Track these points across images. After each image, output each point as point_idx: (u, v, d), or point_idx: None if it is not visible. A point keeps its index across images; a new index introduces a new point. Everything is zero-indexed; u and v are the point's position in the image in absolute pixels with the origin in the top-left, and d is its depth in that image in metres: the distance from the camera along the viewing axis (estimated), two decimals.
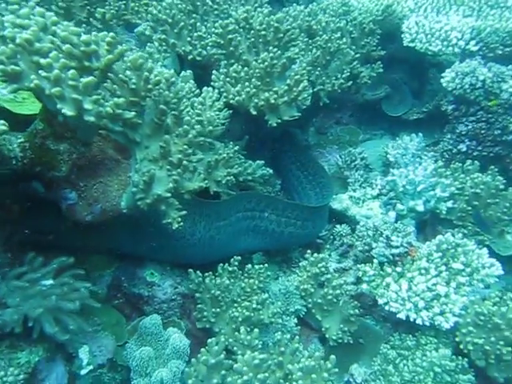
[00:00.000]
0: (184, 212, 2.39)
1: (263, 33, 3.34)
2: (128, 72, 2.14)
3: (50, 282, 2.16)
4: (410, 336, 3.25)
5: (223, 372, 2.43)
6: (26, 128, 2.11)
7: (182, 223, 2.36)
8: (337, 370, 2.50)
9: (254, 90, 3.26)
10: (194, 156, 2.46)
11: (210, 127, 2.98)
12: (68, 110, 1.71)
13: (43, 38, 1.74)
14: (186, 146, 2.38)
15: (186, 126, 2.40)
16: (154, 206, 2.33)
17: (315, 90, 3.99)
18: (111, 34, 1.88)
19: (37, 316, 2.09)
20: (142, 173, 2.31)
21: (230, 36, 3.38)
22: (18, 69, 1.67)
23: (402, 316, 3.08)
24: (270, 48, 3.32)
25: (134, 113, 2.00)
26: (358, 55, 4.19)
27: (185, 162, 2.36)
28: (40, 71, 1.69)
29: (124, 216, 2.45)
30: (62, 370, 2.42)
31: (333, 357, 2.52)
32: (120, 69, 2.11)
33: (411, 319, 3.06)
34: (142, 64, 2.14)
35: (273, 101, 3.25)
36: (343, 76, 4.04)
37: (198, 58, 3.66)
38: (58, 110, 1.73)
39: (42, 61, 1.67)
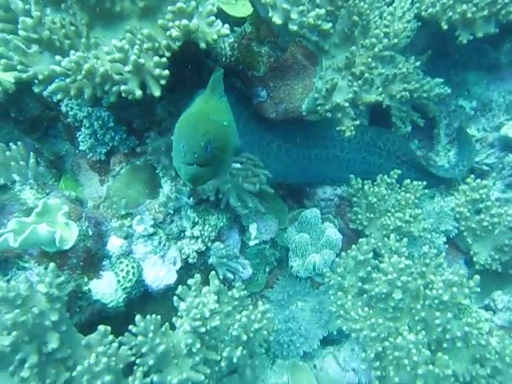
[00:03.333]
0: (357, 122, 2.58)
1: None
2: None
3: (238, 165, 2.59)
4: None
5: (369, 268, 2.74)
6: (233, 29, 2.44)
7: (353, 132, 2.57)
8: (478, 289, 2.62)
9: (451, 1, 3.10)
10: (375, 69, 2.58)
11: (396, 40, 2.98)
12: (277, 18, 1.96)
13: None
14: (370, 60, 2.50)
15: (373, 39, 2.50)
16: (331, 112, 2.55)
17: None
18: None
19: (226, 190, 2.57)
20: (325, 80, 2.52)
21: None
22: None
23: None
24: None
25: (330, 24, 2.16)
26: None
27: (366, 75, 2.50)
28: None
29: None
30: (237, 238, 2.95)
31: (477, 276, 2.64)
32: None
33: None
34: None
35: (470, 15, 3.05)
36: None
37: None
38: (269, 17, 1.99)
39: None
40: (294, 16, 1.94)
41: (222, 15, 2.52)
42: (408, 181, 3.25)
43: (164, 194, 2.55)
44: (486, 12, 3.04)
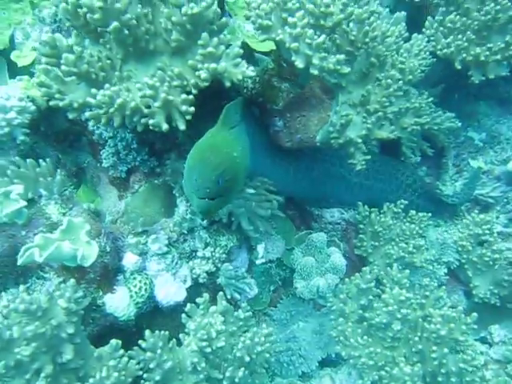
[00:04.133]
0: (369, 156, 2.69)
1: None
2: (351, 24, 2.39)
3: (252, 191, 2.70)
4: None
5: (370, 297, 2.84)
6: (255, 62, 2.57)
7: (364, 166, 2.67)
8: (476, 326, 2.72)
9: (466, 44, 3.20)
10: (389, 108, 2.68)
11: (410, 76, 3.08)
12: (299, 63, 2.08)
13: None
14: (384, 99, 2.61)
15: (389, 80, 2.60)
16: (344, 146, 2.67)
17: None
18: None
19: (239, 214, 2.68)
20: (340, 115, 2.63)
21: None
22: (270, 23, 2.06)
23: None
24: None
25: (349, 68, 2.27)
26: None
27: (380, 113, 2.61)
28: (285, 27, 2.05)
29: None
30: (245, 257, 3.06)
31: (474, 314, 2.73)
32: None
33: None
34: (365, 18, 2.37)
35: (483, 58, 3.17)
36: None
37: None
38: (291, 61, 2.10)
39: (290, 19, 2.03)
40: (315, 62, 2.06)
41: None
42: (413, 212, 3.35)
43: (179, 213, 2.66)
44: (498, 56, 3.15)
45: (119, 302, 2.39)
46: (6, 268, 2.33)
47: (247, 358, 2.37)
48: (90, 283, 2.34)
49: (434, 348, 2.58)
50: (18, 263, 2.12)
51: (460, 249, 3.47)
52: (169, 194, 2.72)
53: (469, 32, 3.21)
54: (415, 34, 3.36)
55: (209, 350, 2.25)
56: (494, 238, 3.39)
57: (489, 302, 3.36)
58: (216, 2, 1.91)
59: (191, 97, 1.95)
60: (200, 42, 1.87)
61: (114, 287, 2.44)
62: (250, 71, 2.00)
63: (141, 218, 2.56)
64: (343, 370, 3.19)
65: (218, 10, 1.97)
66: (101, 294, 2.39)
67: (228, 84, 2.01)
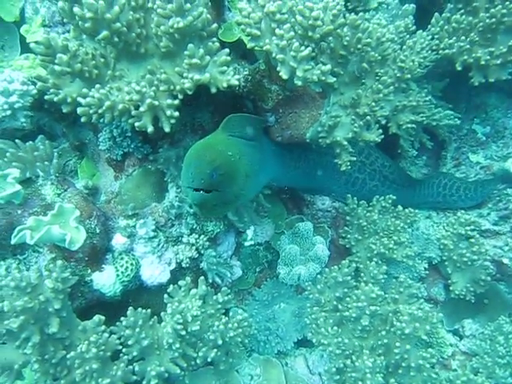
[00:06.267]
0: (354, 158, 2.77)
1: None
2: (345, 29, 2.43)
3: None
4: None
5: (346, 290, 2.99)
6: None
7: (349, 167, 2.76)
8: (440, 326, 2.87)
9: (468, 46, 3.19)
10: (379, 111, 2.74)
11: (409, 75, 3.10)
12: (284, 74, 2.14)
13: (283, 9, 2.11)
14: (373, 104, 2.66)
15: (380, 86, 2.65)
16: (331, 145, 2.75)
17: None
18: (339, 5, 2.16)
19: None
20: (330, 116, 2.69)
21: None
22: (258, 33, 2.11)
23: None
24: (507, 3, 3.10)
25: (334, 79, 2.32)
26: None
27: (368, 118, 2.67)
28: (273, 38, 2.10)
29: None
30: (233, 241, 3.22)
31: (440, 314, 2.89)
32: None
33: None
34: (359, 25, 2.40)
35: (483, 62, 3.16)
36: None
37: None
38: (277, 70, 2.17)
39: (277, 31, 2.08)
40: (299, 74, 2.12)
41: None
42: (400, 207, 3.43)
43: (169, 199, 2.80)
44: (500, 61, 3.13)
45: (106, 280, 2.59)
46: (4, 241, 2.52)
47: (220, 341, 2.57)
48: (78, 262, 2.52)
49: (398, 344, 2.75)
50: (12, 242, 2.29)
51: (442, 246, 3.56)
52: (161, 179, 2.85)
53: (473, 33, 3.18)
54: (420, 31, 3.34)
55: (183, 332, 2.44)
56: (476, 239, 3.47)
57: (464, 298, 3.49)
58: (205, 12, 1.97)
59: (177, 102, 2.04)
60: (186, 52, 1.95)
61: (103, 265, 2.63)
62: (235, 80, 2.07)
63: (131, 204, 2.71)
64: (316, 352, 3.39)
65: (209, 16, 2.03)
66: (89, 271, 2.58)
67: (214, 90, 2.10)
